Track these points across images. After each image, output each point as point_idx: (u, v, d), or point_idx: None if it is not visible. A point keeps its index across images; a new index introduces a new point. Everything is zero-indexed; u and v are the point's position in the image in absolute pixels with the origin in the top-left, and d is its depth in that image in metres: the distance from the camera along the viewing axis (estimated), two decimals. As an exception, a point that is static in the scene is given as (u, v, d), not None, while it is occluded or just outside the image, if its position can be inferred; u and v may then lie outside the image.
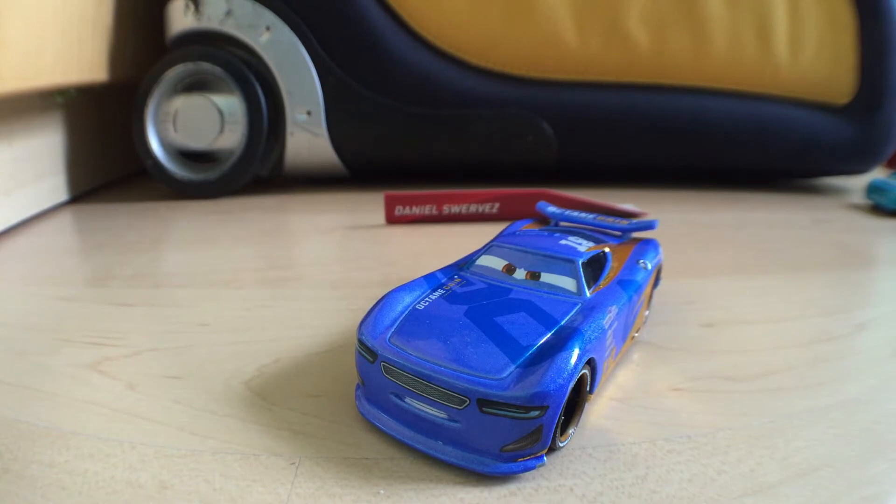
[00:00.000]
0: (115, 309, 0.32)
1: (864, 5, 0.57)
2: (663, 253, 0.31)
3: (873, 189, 0.57)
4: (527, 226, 0.34)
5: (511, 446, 0.19)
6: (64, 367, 0.26)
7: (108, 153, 0.65)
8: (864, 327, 0.31)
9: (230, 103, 0.57)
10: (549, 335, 0.21)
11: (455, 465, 0.19)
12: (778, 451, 0.21)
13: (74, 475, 0.19)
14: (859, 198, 0.61)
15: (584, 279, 0.24)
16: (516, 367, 0.19)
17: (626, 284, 0.25)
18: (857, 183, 0.66)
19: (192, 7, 0.57)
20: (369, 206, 0.54)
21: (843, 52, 0.58)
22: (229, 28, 0.57)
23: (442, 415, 0.19)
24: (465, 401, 0.19)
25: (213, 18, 0.57)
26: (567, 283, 0.24)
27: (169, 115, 0.57)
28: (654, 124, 0.60)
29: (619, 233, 0.32)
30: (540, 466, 0.19)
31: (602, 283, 0.25)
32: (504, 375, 0.19)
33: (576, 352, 0.19)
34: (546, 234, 0.29)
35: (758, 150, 0.60)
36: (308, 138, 0.60)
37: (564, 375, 0.19)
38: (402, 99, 0.59)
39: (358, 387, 0.23)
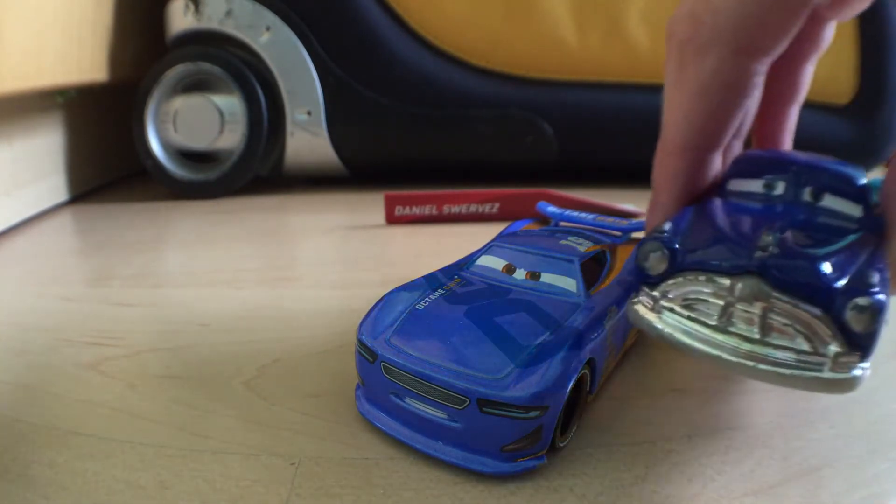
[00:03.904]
0: (115, 309, 0.32)
1: (864, 5, 0.57)
2: (663, 253, 0.31)
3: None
4: (527, 226, 0.34)
5: (511, 446, 0.19)
6: (64, 367, 0.26)
7: (108, 153, 0.65)
8: (864, 327, 0.31)
9: (230, 103, 0.57)
10: (548, 335, 0.21)
11: (455, 465, 0.19)
12: (778, 451, 0.21)
13: (74, 475, 0.19)
14: (859, 198, 0.61)
15: (584, 279, 0.24)
16: (516, 367, 0.19)
17: (627, 284, 0.25)
18: (857, 183, 0.66)
19: (192, 7, 0.57)
20: (369, 206, 0.54)
21: (843, 52, 0.58)
22: (229, 28, 0.57)
23: (442, 415, 0.19)
24: (465, 401, 0.19)
25: (213, 18, 0.57)
26: (567, 283, 0.24)
27: (169, 115, 0.57)
28: (654, 124, 0.59)
29: (619, 233, 0.32)
30: (540, 466, 0.19)
31: (602, 283, 0.25)
32: (504, 375, 0.19)
33: (576, 352, 0.19)
34: (546, 234, 0.29)
35: (758, 150, 0.60)
36: (308, 138, 0.59)
37: (564, 375, 0.19)
38: (402, 99, 0.59)
39: (358, 387, 0.23)
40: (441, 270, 0.26)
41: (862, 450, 0.21)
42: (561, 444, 0.20)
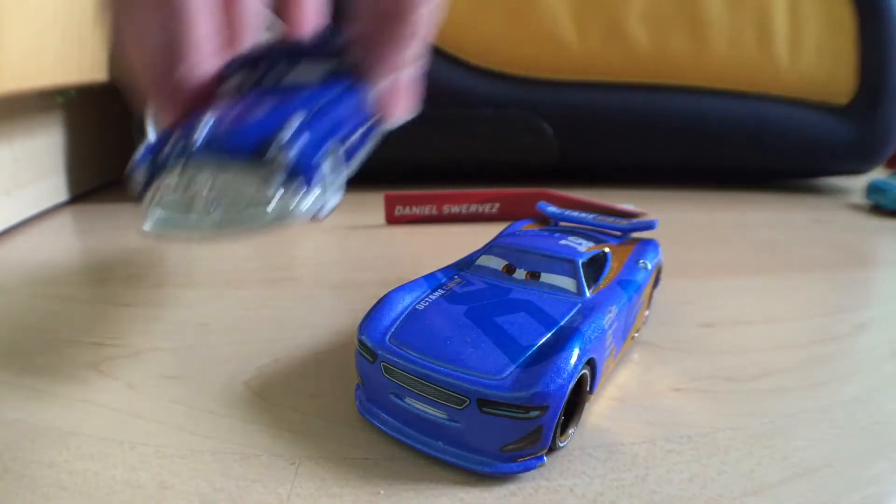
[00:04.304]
0: (115, 309, 0.32)
1: (864, 5, 0.57)
2: (663, 253, 0.31)
3: (873, 189, 0.57)
4: (527, 226, 0.34)
5: (511, 446, 0.19)
6: (64, 367, 0.26)
7: (108, 153, 0.65)
8: (864, 327, 0.31)
9: (230, 103, 0.56)
10: (548, 335, 0.21)
11: (455, 465, 0.19)
12: (778, 451, 0.21)
13: (74, 475, 0.19)
14: (859, 198, 0.61)
15: (584, 279, 0.24)
16: (516, 368, 0.19)
17: (626, 284, 0.25)
18: (857, 183, 0.66)
19: (192, 7, 0.57)
20: (369, 206, 0.54)
21: (843, 52, 0.58)
22: (229, 28, 0.57)
23: (442, 415, 0.19)
24: (465, 401, 0.19)
25: (213, 18, 0.57)
26: (567, 283, 0.24)
27: (169, 115, 0.56)
28: (654, 124, 0.59)
29: (619, 233, 0.32)
30: (540, 466, 0.19)
31: (602, 283, 0.25)
32: (504, 375, 0.19)
33: (576, 352, 0.19)
34: (546, 234, 0.29)
35: (758, 150, 0.60)
36: (308, 138, 0.59)
37: (564, 375, 0.19)
38: (402, 99, 0.58)
39: (358, 387, 0.23)
40: (441, 270, 0.26)
41: (862, 450, 0.21)
42: (561, 444, 0.20)
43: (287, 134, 0.18)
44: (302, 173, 0.19)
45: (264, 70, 0.24)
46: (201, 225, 0.19)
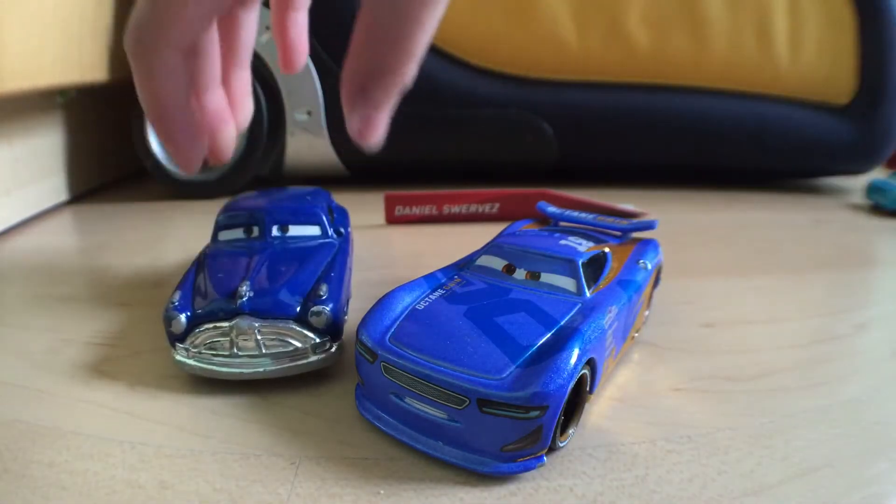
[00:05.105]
0: (115, 309, 0.32)
1: (864, 5, 0.57)
2: (663, 253, 0.31)
3: (873, 189, 0.57)
4: (527, 226, 0.34)
5: (511, 446, 0.19)
6: (64, 367, 0.26)
7: (108, 153, 0.65)
8: (864, 327, 0.31)
9: (230, 103, 0.56)
10: (548, 335, 0.21)
11: (455, 465, 0.19)
12: (778, 451, 0.21)
13: (74, 475, 0.19)
14: (859, 198, 0.61)
15: (584, 279, 0.24)
16: (516, 367, 0.19)
17: (626, 284, 0.25)
18: (857, 183, 0.66)
19: (192, 7, 0.57)
20: (369, 206, 0.54)
21: (843, 52, 0.58)
22: (229, 28, 0.57)
23: (442, 415, 0.19)
24: (465, 401, 0.19)
25: (213, 18, 0.57)
26: (567, 283, 0.24)
27: (169, 115, 0.56)
28: (654, 124, 0.59)
29: (619, 233, 0.32)
30: (540, 466, 0.19)
31: (602, 283, 0.25)
32: (504, 375, 0.19)
33: (576, 352, 0.19)
34: (546, 234, 0.29)
35: (758, 150, 0.60)
36: (308, 138, 0.59)
37: (564, 375, 0.19)
38: (402, 99, 0.58)
39: (358, 387, 0.23)
40: (441, 270, 0.26)
41: (862, 450, 0.21)
42: (561, 444, 0.20)
43: (321, 298, 0.24)
44: (336, 330, 0.24)
45: (261, 230, 0.30)
46: (247, 368, 0.24)
